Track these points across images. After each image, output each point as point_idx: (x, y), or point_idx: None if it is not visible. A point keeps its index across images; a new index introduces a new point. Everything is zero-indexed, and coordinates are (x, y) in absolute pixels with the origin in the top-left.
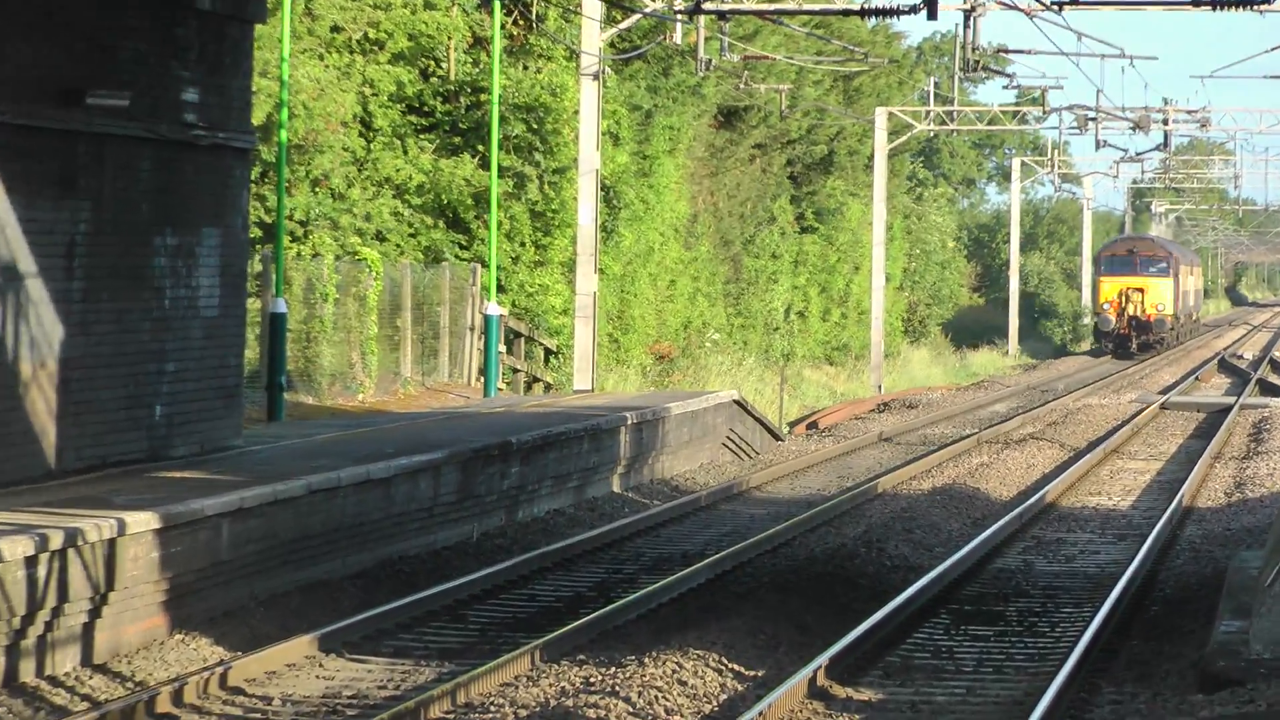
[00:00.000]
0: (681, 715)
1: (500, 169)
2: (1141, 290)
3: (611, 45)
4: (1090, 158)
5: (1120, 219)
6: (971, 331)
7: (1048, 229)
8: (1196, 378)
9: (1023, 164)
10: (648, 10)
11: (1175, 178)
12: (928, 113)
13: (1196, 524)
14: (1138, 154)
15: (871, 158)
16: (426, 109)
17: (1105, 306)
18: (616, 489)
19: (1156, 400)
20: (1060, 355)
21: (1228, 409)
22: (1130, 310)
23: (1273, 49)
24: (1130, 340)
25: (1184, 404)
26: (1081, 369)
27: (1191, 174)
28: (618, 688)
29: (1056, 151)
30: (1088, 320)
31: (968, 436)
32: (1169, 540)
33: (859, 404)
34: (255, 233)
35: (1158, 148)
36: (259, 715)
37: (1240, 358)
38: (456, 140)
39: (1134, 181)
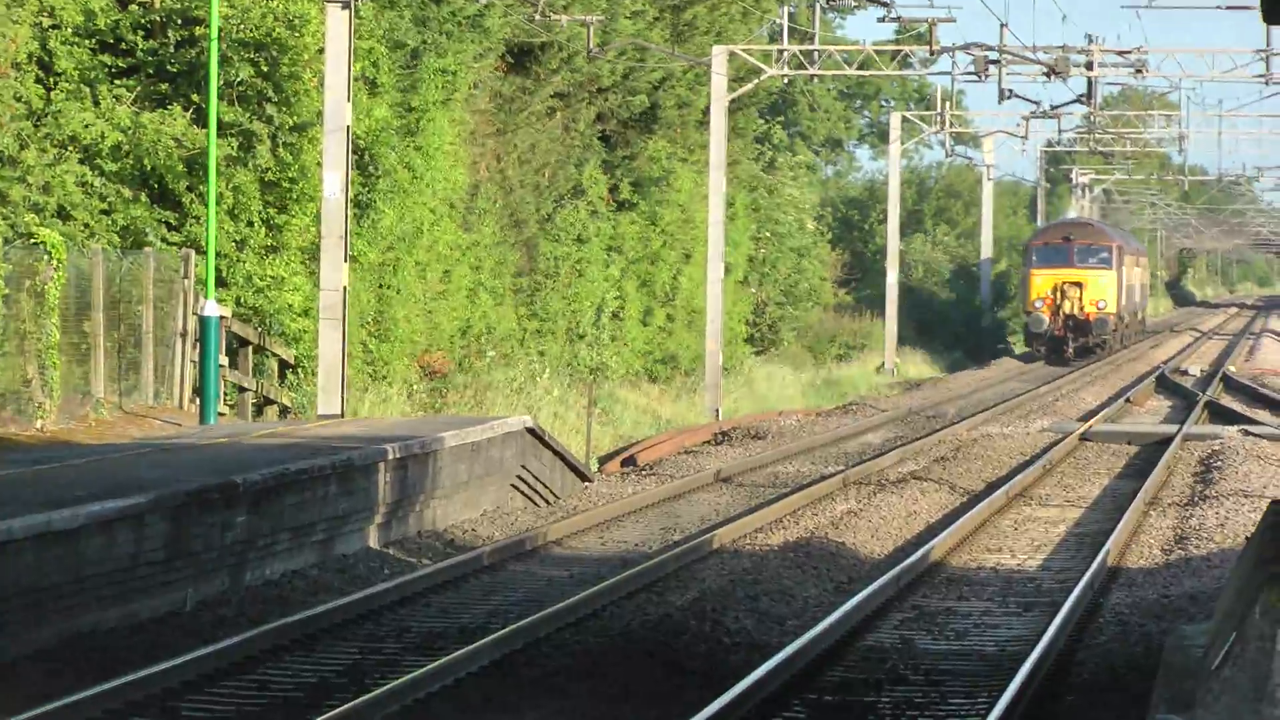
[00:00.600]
0: None
1: (221, 125)
2: (1080, 285)
3: None
4: (992, 112)
5: (1030, 192)
6: (838, 339)
7: (936, 205)
8: (1127, 399)
9: (904, 120)
10: None
11: (1102, 139)
12: (781, 53)
13: (1125, 589)
14: (1053, 108)
15: (707, 112)
16: (124, 46)
17: (1038, 304)
18: (375, 544)
19: (1075, 429)
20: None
21: (1167, 440)
22: (1066, 308)
23: None
24: (1066, 343)
25: (1111, 434)
26: (980, 388)
27: (1123, 134)
28: None
29: (948, 104)
30: (992, 323)
31: (831, 476)
32: (1089, 610)
33: (690, 433)
34: None
35: (1079, 99)
36: None
37: (1184, 374)
38: (163, 88)
39: (1048, 144)
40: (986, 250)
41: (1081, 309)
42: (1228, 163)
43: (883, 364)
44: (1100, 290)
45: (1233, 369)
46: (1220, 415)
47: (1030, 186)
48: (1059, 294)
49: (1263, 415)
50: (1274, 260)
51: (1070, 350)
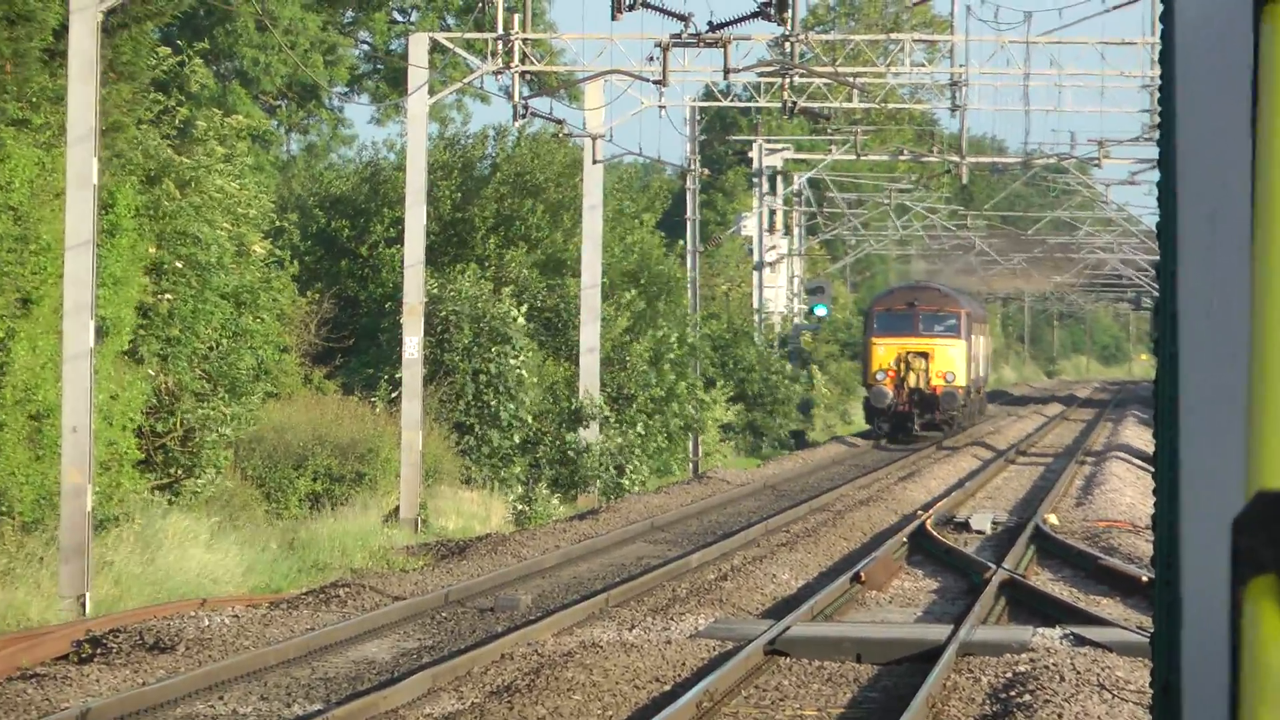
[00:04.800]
0: None
1: None
2: (926, 355)
3: None
4: (602, 36)
5: (674, 185)
6: (313, 463)
7: (499, 208)
8: (857, 577)
9: (437, 50)
10: None
11: (807, 87)
12: None
13: None
14: (714, 29)
15: (61, 34)
16: None
17: (880, 376)
18: None
19: (759, 633)
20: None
21: (931, 654)
22: (911, 380)
23: None
24: (911, 419)
25: (826, 643)
26: (580, 553)
27: (846, 79)
28: None
29: (519, 21)
30: (591, 437)
31: None
32: None
33: (30, 641)
34: None
35: (762, 10)
36: None
37: (962, 528)
38: None
39: (707, 95)
40: (593, 291)
41: (928, 382)
42: (1042, 133)
43: (397, 509)
44: (948, 361)
45: (1052, 519)
46: (1027, 606)
47: (674, 177)
48: (903, 365)
49: (1107, 605)
50: (1129, 315)
51: (916, 425)
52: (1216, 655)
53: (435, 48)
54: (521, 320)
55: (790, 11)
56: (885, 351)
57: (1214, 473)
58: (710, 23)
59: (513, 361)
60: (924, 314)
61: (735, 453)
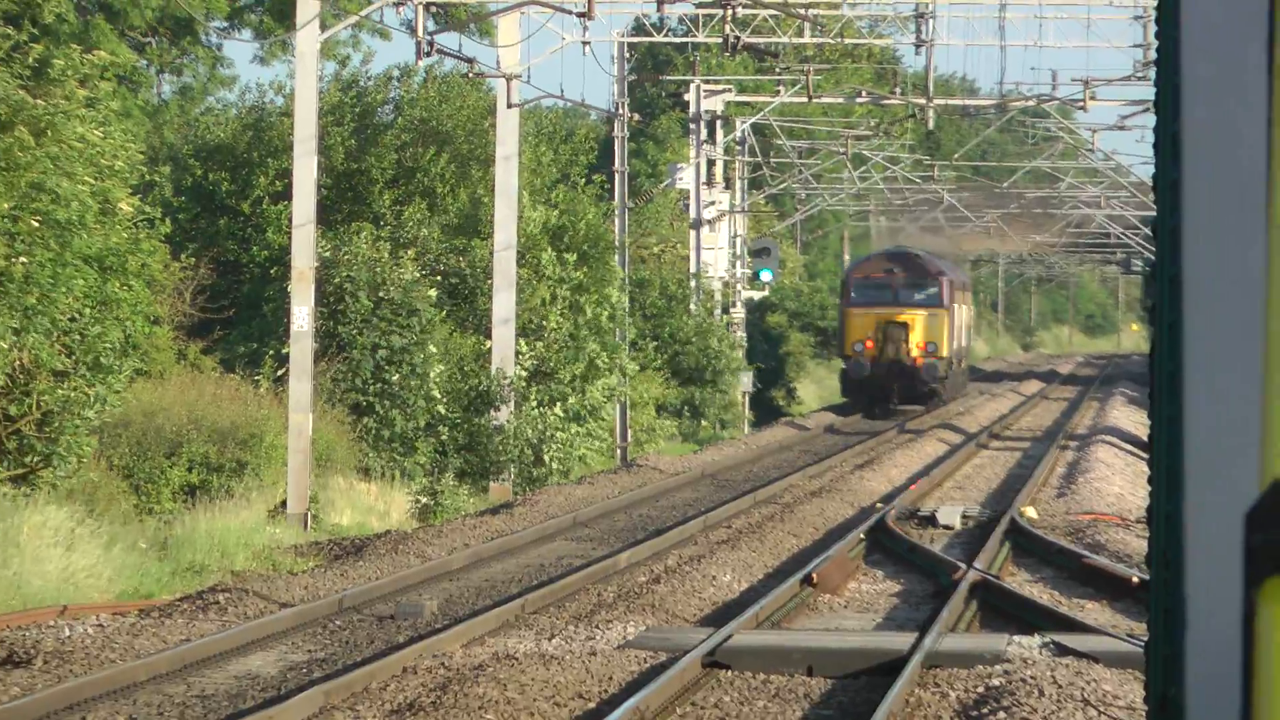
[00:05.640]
0: None
1: None
2: (906, 325)
3: None
4: None
5: (599, 131)
6: (188, 450)
7: (400, 159)
8: (808, 580)
9: None
10: None
11: (750, 19)
12: None
13: None
14: None
15: None
16: None
17: (858, 347)
18: None
19: (696, 644)
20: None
21: (893, 666)
22: (890, 352)
23: None
24: (891, 393)
25: (773, 654)
26: (493, 552)
27: (796, 10)
28: None
29: None
30: (504, 417)
31: None
32: None
33: None
34: None
35: None
36: None
37: (928, 522)
38: None
39: (636, 28)
40: (507, 254)
41: (908, 353)
42: (1020, 72)
43: (284, 502)
44: (929, 331)
45: (1029, 513)
46: (1002, 611)
47: (599, 123)
48: (882, 335)
49: (1093, 610)
50: (1117, 279)
51: (895, 400)
52: (1225, 665)
53: None
54: (433, 292)
55: None
56: (863, 321)
57: (1223, 458)
58: None
59: (421, 336)
60: (903, 281)
61: (671, 437)
